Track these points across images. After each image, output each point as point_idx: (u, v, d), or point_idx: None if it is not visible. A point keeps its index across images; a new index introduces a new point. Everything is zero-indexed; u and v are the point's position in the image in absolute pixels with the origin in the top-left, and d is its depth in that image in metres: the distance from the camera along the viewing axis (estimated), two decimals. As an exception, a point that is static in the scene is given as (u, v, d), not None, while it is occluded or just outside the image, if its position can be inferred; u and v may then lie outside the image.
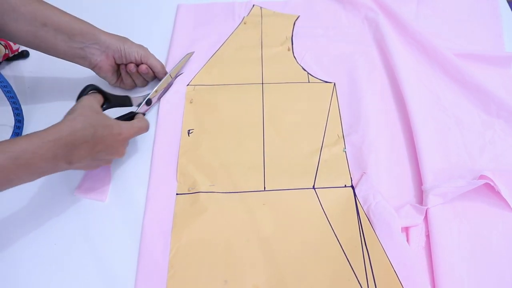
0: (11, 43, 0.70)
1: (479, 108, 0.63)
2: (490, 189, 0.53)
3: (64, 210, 0.56)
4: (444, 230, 0.51)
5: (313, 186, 0.56)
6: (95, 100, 0.53)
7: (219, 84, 0.68)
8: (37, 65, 0.72)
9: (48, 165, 0.46)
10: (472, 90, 0.65)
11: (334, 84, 0.67)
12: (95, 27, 0.61)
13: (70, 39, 0.59)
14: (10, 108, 0.63)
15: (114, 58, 0.63)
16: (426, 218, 0.52)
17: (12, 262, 0.52)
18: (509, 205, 0.53)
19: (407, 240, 0.51)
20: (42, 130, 0.46)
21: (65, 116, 0.48)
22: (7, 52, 0.70)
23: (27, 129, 0.63)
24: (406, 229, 0.52)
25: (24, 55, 0.72)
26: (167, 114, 0.65)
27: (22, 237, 0.54)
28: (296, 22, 0.77)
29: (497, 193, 0.53)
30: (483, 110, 0.63)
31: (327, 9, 0.79)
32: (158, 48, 0.74)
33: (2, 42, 0.69)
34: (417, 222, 0.52)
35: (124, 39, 0.64)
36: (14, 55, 0.71)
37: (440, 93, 0.65)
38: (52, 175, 0.59)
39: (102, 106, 0.55)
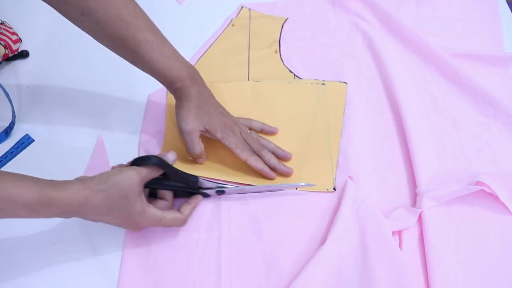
0: (11, 43, 0.71)
1: (476, 109, 0.63)
2: (487, 192, 0.53)
3: (63, 209, 0.56)
4: (440, 233, 0.51)
5: (296, 188, 0.57)
6: (137, 180, 0.47)
7: None
8: (37, 65, 0.72)
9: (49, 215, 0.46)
10: (469, 91, 0.65)
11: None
12: (184, 83, 0.56)
13: (161, 82, 0.57)
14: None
15: None
16: (419, 220, 0.52)
17: (12, 262, 0.52)
18: (506, 208, 0.53)
19: (400, 243, 0.51)
20: (57, 186, 0.45)
21: (91, 180, 0.47)
22: (7, 52, 0.70)
23: (26, 128, 0.63)
24: (398, 232, 0.52)
25: (24, 55, 0.72)
26: (153, 114, 0.65)
27: (22, 237, 0.54)
28: (284, 24, 0.76)
29: (495, 196, 0.53)
30: (480, 111, 0.63)
31: (316, 10, 0.78)
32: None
33: (2, 42, 0.69)
34: (409, 224, 0.51)
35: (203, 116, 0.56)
36: (14, 55, 0.71)
37: (437, 94, 0.65)
38: (51, 174, 0.59)
39: (154, 180, 0.50)
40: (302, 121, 0.63)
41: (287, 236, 0.53)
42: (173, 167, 0.51)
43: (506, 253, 0.50)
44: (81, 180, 0.47)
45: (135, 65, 0.57)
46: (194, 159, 0.58)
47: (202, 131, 0.56)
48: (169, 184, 0.52)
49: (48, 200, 0.44)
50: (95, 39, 0.55)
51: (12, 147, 0.62)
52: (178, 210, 0.52)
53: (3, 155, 0.61)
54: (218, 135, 0.56)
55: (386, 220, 0.51)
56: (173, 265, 0.51)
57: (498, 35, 0.73)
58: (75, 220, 0.55)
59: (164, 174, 0.51)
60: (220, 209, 0.55)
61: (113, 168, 0.51)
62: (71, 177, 0.58)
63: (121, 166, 0.51)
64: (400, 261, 0.48)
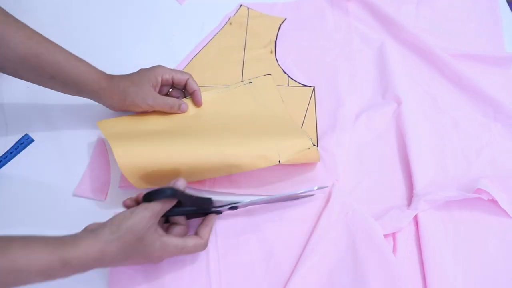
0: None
1: (476, 110, 0.63)
2: (487, 194, 0.53)
3: (64, 209, 0.56)
4: (438, 236, 0.51)
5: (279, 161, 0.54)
6: (151, 220, 0.45)
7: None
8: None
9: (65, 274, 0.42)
10: (469, 92, 0.65)
11: (314, 88, 0.67)
12: (105, 76, 0.59)
13: (80, 92, 0.59)
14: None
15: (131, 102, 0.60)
16: (415, 222, 0.52)
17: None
18: (505, 210, 0.52)
19: (394, 245, 0.51)
20: (69, 244, 0.41)
21: (102, 229, 0.44)
22: (7, 51, 0.70)
23: (25, 128, 0.63)
24: (393, 234, 0.51)
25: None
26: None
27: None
28: (282, 25, 0.76)
29: (494, 199, 0.52)
30: (480, 112, 0.63)
31: (315, 12, 0.78)
32: (158, 45, 0.74)
33: (2, 42, 0.69)
34: (402, 226, 0.51)
35: (137, 79, 0.60)
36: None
37: (437, 95, 0.65)
38: (51, 174, 0.59)
39: (171, 209, 0.48)
40: (252, 121, 0.61)
41: (275, 245, 0.52)
42: (187, 194, 0.49)
43: (506, 256, 0.50)
44: (91, 231, 0.44)
45: (51, 82, 0.57)
46: (179, 111, 0.61)
47: (158, 82, 0.60)
48: (183, 210, 0.50)
49: (61, 262, 0.40)
50: (8, 71, 0.56)
51: (12, 147, 0.62)
52: (196, 233, 0.50)
53: (3, 155, 0.61)
54: (166, 76, 0.60)
55: (378, 222, 0.51)
56: (162, 281, 0.51)
57: (498, 35, 0.73)
58: (75, 220, 0.55)
59: (178, 202, 0.48)
60: None
61: (124, 204, 0.48)
62: (70, 175, 0.59)
63: (131, 200, 0.48)
64: (393, 265, 0.47)
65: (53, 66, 0.56)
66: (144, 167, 0.53)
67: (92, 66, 0.59)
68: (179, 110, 0.61)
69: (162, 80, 0.60)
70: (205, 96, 0.63)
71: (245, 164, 0.54)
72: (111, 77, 0.60)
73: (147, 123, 0.60)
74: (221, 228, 0.54)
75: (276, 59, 0.71)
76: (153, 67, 0.61)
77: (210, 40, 0.74)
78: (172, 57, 0.72)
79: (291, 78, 0.68)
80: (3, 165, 0.60)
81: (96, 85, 0.58)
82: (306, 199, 0.55)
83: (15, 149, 0.61)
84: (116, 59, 0.72)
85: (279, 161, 0.54)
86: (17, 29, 0.54)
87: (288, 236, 0.53)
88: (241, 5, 0.79)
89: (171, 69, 0.61)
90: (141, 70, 0.61)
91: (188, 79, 0.61)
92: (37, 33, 0.56)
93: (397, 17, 0.73)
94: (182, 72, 0.62)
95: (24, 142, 0.62)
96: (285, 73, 0.69)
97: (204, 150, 0.55)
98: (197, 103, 0.62)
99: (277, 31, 0.75)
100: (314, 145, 0.56)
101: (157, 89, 0.60)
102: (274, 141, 0.55)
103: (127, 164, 0.53)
